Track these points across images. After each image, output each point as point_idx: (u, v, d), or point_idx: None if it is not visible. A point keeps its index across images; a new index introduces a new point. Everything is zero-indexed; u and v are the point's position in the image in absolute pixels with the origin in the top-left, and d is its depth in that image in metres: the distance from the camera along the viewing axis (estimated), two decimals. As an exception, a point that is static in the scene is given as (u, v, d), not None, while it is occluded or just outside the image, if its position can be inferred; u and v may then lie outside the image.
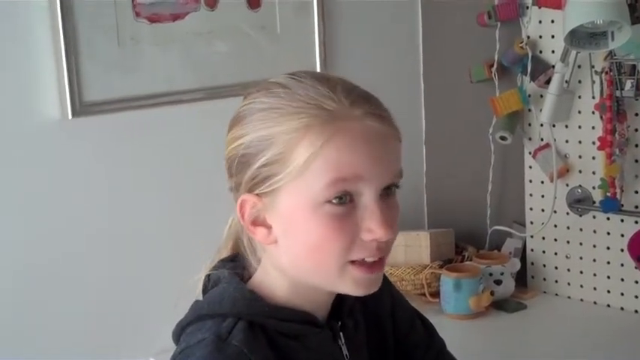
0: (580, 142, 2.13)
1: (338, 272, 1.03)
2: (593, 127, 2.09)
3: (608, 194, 2.05)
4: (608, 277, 2.14)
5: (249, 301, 1.06)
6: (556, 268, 2.24)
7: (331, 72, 2.11)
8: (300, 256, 1.04)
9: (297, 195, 1.01)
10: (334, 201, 1.00)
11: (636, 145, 2.03)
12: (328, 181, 0.99)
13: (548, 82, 2.12)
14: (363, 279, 1.04)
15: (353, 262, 1.03)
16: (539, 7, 2.11)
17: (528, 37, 2.16)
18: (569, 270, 2.21)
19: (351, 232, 1.01)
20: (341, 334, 1.13)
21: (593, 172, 2.11)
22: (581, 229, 2.17)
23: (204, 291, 1.12)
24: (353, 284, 1.04)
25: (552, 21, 2.12)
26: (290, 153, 1.00)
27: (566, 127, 2.15)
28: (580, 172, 2.15)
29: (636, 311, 2.11)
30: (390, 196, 1.05)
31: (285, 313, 1.07)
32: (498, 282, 2.15)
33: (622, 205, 2.06)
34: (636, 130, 2.03)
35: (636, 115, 2.02)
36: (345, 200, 1.01)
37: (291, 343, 1.06)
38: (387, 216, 1.02)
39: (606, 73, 2.00)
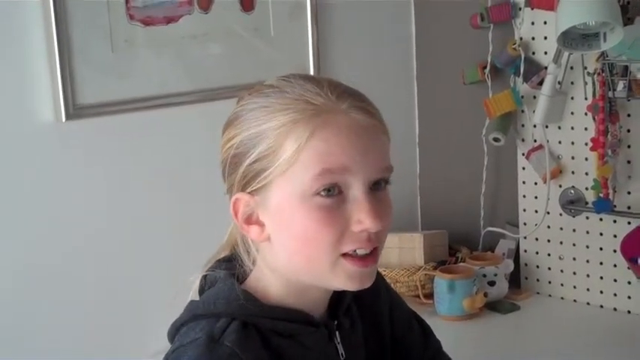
0: (573, 143, 2.14)
1: (330, 266, 1.04)
2: (585, 129, 2.10)
3: (601, 195, 2.05)
4: (602, 278, 2.15)
5: (243, 302, 1.07)
6: (549, 269, 2.24)
7: (325, 74, 2.13)
8: (292, 252, 1.06)
9: (287, 188, 1.03)
10: (323, 193, 1.02)
11: (629, 146, 2.04)
12: (316, 172, 1.01)
13: (540, 83, 2.12)
14: (356, 272, 1.05)
15: (345, 255, 1.04)
16: (532, 9, 2.11)
17: (521, 39, 2.16)
18: (562, 271, 2.22)
19: (341, 224, 1.03)
20: (337, 333, 1.13)
21: (586, 173, 2.12)
22: (574, 230, 2.18)
23: (201, 291, 1.13)
24: (346, 278, 1.05)
25: (545, 22, 2.12)
26: (279, 147, 1.02)
27: (559, 128, 2.15)
28: (573, 173, 2.15)
29: (629, 312, 2.11)
30: (381, 191, 1.06)
31: (279, 313, 1.08)
32: (492, 283, 2.15)
33: (615, 206, 2.06)
34: (628, 130, 2.03)
35: (628, 115, 2.03)
36: (333, 192, 1.03)
37: (286, 343, 1.07)
38: (377, 207, 1.03)
39: (598, 74, 2.00)
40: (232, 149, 1.07)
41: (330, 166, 1.02)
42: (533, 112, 2.14)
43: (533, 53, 2.16)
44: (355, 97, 1.06)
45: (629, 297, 2.11)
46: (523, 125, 2.23)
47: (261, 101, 1.06)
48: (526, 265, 2.28)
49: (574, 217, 2.17)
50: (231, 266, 1.13)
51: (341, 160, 1.02)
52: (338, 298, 1.15)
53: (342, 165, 1.02)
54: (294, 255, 1.06)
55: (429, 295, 2.16)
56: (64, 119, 1.78)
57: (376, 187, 1.05)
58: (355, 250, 1.04)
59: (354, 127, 1.03)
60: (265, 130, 1.03)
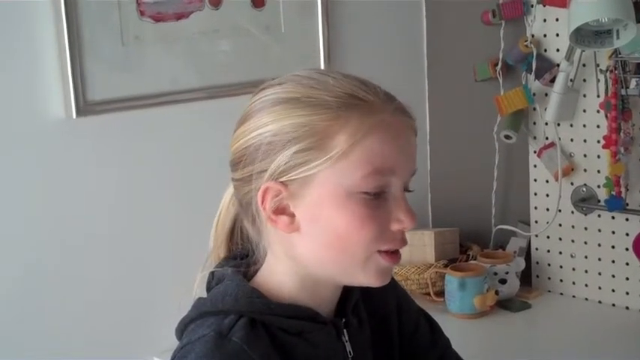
0: (585, 140, 2.13)
1: (363, 261, 1.05)
2: (598, 126, 2.09)
3: (613, 193, 2.04)
4: (613, 276, 2.14)
5: (251, 299, 1.06)
6: (561, 267, 2.23)
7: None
8: (324, 245, 1.05)
9: (332, 183, 1.03)
10: (369, 192, 1.03)
11: (641, 144, 2.03)
12: (367, 172, 1.02)
13: (552, 80, 2.11)
14: (386, 268, 1.07)
15: (379, 251, 1.05)
16: (544, 6, 2.11)
17: (533, 36, 2.15)
18: (573, 269, 2.21)
19: (382, 222, 1.04)
20: (345, 331, 1.13)
21: (598, 171, 2.11)
22: (585, 228, 2.17)
23: (208, 288, 1.13)
24: (375, 274, 1.06)
25: (557, 19, 2.11)
26: (330, 140, 1.02)
27: (571, 125, 2.14)
28: (585, 170, 2.14)
29: (641, 310, 2.11)
30: (406, 191, 1.08)
31: (287, 310, 1.07)
32: (503, 281, 2.15)
33: (627, 204, 2.05)
34: (641, 128, 2.03)
35: (641, 113, 2.02)
36: (378, 191, 1.04)
37: (294, 340, 1.06)
38: (410, 206, 1.06)
39: (611, 71, 1.99)
40: (267, 136, 1.04)
41: (380, 167, 1.03)
42: (545, 109, 2.13)
43: (545, 50, 2.15)
44: (395, 99, 1.08)
45: (640, 295, 2.10)
46: (535, 123, 2.22)
47: (301, 90, 1.04)
48: (537, 263, 2.28)
49: (586, 215, 2.16)
50: (238, 263, 1.13)
51: (389, 162, 1.03)
52: (345, 296, 1.14)
53: (390, 167, 1.03)
54: (326, 248, 1.05)
55: (440, 293, 2.15)
56: (74, 115, 1.79)
57: (405, 187, 1.07)
58: (389, 249, 1.06)
59: (401, 129, 1.06)
60: (313, 122, 1.02)
